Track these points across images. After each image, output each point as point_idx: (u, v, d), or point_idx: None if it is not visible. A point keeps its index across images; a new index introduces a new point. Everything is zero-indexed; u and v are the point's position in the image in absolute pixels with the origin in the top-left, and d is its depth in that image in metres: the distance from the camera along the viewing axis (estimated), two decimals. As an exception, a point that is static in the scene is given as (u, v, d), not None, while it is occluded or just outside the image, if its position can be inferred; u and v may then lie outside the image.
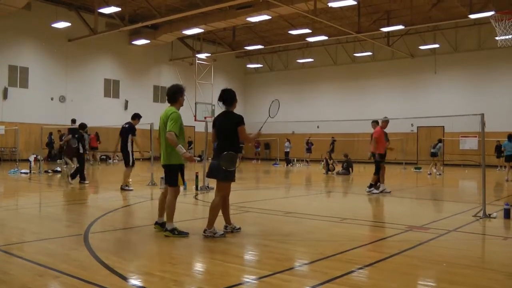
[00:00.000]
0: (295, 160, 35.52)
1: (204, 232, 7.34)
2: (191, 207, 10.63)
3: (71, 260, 5.85)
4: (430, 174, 24.93)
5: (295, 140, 38.76)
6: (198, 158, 7.39)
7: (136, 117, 15.35)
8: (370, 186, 14.49)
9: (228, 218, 7.78)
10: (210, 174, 7.56)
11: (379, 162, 14.67)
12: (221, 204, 7.54)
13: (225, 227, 7.72)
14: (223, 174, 7.29)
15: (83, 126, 17.38)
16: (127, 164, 14.91)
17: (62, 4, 32.17)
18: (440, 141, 26.08)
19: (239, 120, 7.43)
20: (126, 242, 7.26)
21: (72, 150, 20.42)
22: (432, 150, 25.39)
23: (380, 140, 14.52)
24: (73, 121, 22.34)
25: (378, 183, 14.53)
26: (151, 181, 15.97)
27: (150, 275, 5.32)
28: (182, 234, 7.36)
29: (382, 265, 5.90)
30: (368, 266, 5.78)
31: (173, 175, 7.46)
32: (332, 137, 35.90)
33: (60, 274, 5.21)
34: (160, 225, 7.69)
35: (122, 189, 14.30)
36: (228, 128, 7.39)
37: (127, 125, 15.23)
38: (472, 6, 27.43)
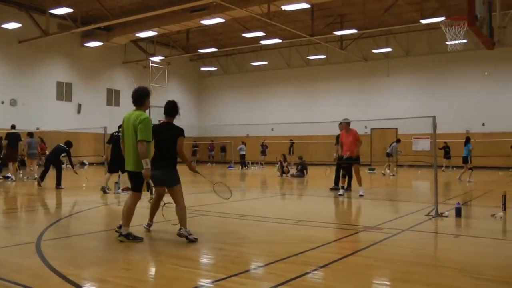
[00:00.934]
0: (249, 163, 35.57)
1: (180, 230, 7.39)
2: (145, 212, 10.52)
3: (22, 269, 5.70)
4: (384, 174, 25.37)
5: (249, 143, 38.83)
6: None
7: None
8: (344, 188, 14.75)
9: (153, 216, 8.19)
10: (162, 183, 7.79)
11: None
12: (158, 203, 8.10)
13: (148, 224, 8.19)
14: (174, 180, 7.64)
15: (70, 144, 17.55)
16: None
17: (12, 4, 31.33)
18: (397, 141, 26.63)
19: (182, 132, 7.70)
20: (79, 248, 7.13)
21: (13, 154, 20.41)
22: (387, 151, 25.98)
23: (342, 143, 14.74)
24: (13, 126, 21.96)
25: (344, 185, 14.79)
26: (105, 186, 15.73)
27: (104, 282, 5.25)
28: (137, 239, 7.29)
29: (336, 266, 5.96)
30: (323, 268, 5.83)
31: (138, 181, 7.37)
32: (291, 140, 36.11)
33: (11, 284, 5.07)
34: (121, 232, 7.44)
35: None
36: (171, 139, 7.65)
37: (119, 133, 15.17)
38: (423, 11, 28.05)
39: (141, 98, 7.52)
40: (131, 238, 7.25)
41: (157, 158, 7.69)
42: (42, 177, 16.87)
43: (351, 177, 15.11)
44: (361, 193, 14.06)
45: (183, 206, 7.60)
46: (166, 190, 7.87)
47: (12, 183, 19.27)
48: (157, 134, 7.70)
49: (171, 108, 7.88)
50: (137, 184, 7.40)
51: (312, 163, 31.14)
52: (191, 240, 7.24)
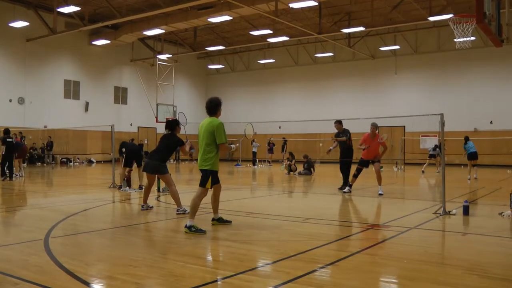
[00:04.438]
0: (257, 161, 35.57)
1: (177, 210, 9.87)
2: (154, 209, 10.58)
3: (30, 266, 5.73)
4: (438, 172, 25.52)
5: (257, 141, 38.79)
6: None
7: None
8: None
9: (146, 199, 10.66)
10: (153, 171, 10.35)
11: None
12: (149, 189, 10.57)
13: (142, 205, 10.57)
14: (163, 169, 10.21)
15: (8, 131, 19.79)
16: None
17: (20, 3, 31.45)
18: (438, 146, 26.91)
19: (180, 143, 10.31)
20: (87, 246, 7.16)
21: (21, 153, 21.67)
22: (431, 152, 26.31)
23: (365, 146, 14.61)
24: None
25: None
26: (113, 183, 15.79)
27: (111, 279, 5.26)
28: (200, 231, 7.73)
29: (343, 263, 5.96)
30: (330, 265, 5.83)
31: (206, 178, 8.22)
32: (283, 137, 35.98)
33: (19, 280, 5.10)
34: (217, 221, 8.64)
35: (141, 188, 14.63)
36: (172, 145, 10.36)
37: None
38: (432, 9, 27.93)
39: (215, 107, 8.44)
40: (193, 230, 7.80)
41: (155, 151, 10.54)
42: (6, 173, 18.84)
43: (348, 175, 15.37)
44: (380, 192, 14.01)
45: (174, 193, 9.97)
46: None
47: (19, 180, 19.39)
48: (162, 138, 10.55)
49: (172, 124, 10.51)
50: (204, 180, 8.16)
51: (320, 160, 31.16)
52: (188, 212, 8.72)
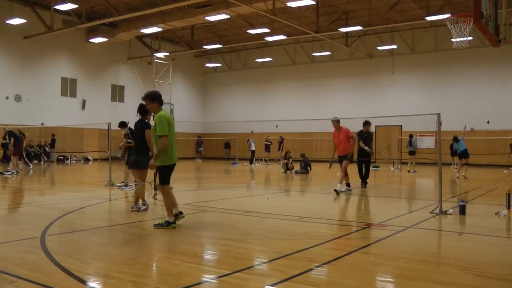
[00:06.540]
0: (254, 159, 35.56)
1: (132, 208, 9.90)
2: (150, 207, 10.57)
3: (27, 264, 5.71)
4: (409, 171, 25.66)
5: (253, 139, 38.78)
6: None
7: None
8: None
9: (143, 196, 10.37)
10: (136, 166, 10.20)
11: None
12: (143, 185, 10.31)
13: (143, 203, 10.23)
14: (143, 163, 9.88)
15: None
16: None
17: (17, 0, 31.38)
18: (411, 136, 26.94)
19: (147, 125, 10.11)
20: (83, 244, 7.15)
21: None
22: (411, 149, 26.26)
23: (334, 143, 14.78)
24: None
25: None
26: (109, 181, 15.76)
27: (108, 277, 5.26)
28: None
29: (340, 262, 5.96)
30: (326, 264, 5.83)
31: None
32: (280, 136, 35.97)
33: (15, 278, 5.08)
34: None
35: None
36: (141, 132, 10.11)
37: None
38: (429, 8, 27.95)
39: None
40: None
41: (134, 146, 10.38)
42: None
43: (368, 174, 15.97)
44: (336, 188, 13.99)
45: (140, 188, 9.95)
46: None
47: (16, 177, 19.35)
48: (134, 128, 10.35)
49: (142, 109, 10.37)
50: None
51: (316, 160, 31.14)
52: (144, 209, 9.85)
